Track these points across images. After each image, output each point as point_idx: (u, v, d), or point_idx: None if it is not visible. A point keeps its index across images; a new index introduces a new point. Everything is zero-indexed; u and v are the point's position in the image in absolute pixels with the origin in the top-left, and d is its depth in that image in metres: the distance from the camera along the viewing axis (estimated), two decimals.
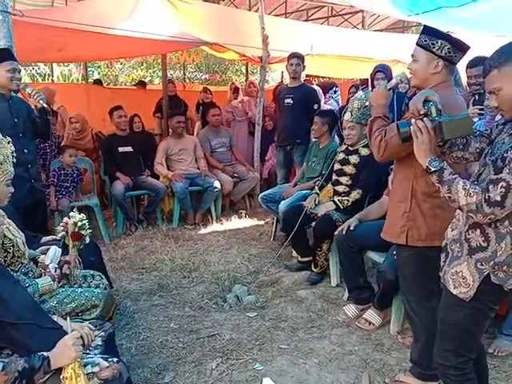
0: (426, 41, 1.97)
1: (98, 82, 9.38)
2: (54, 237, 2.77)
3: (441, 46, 1.95)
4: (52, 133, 3.70)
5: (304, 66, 4.79)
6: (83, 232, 2.37)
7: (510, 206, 1.47)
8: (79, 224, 2.35)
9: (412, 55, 2.05)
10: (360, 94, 3.54)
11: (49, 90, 4.70)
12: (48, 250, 2.35)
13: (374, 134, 2.05)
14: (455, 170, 1.66)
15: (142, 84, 9.41)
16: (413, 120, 1.71)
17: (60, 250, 2.36)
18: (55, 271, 2.26)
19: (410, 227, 2.06)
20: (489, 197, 1.48)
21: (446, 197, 1.62)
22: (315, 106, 4.73)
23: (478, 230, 1.61)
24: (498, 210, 1.48)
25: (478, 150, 1.77)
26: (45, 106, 3.20)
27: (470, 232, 1.64)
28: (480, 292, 1.61)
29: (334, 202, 3.47)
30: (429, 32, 1.99)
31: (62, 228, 2.40)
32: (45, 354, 1.49)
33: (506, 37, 5.11)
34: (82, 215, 2.43)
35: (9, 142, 2.04)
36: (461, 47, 1.98)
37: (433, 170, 1.62)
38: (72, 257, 2.35)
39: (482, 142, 1.77)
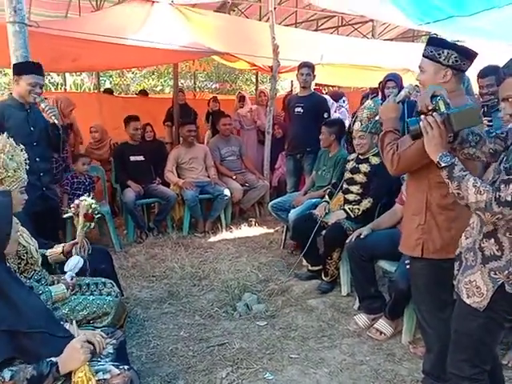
0: (431, 51, 1.97)
1: (108, 91, 9.49)
2: (65, 244, 2.80)
3: (447, 55, 1.95)
4: (64, 147, 3.75)
5: (314, 76, 4.82)
6: (95, 216, 2.49)
7: None
8: (93, 206, 2.48)
9: (419, 67, 2.05)
10: (369, 102, 3.54)
11: (67, 102, 4.76)
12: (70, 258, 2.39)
13: (386, 148, 2.05)
14: (466, 167, 1.65)
15: (143, 93, 9.49)
16: (422, 116, 1.71)
17: (82, 260, 2.39)
18: (71, 279, 2.28)
19: (425, 240, 2.04)
20: (499, 196, 1.47)
21: (454, 193, 1.60)
22: (325, 115, 4.78)
23: (493, 239, 1.59)
24: (508, 210, 1.46)
25: (491, 151, 1.75)
26: (56, 122, 3.24)
27: (484, 241, 1.62)
28: (494, 302, 1.59)
29: (344, 210, 3.47)
30: (434, 43, 2.00)
31: (72, 210, 2.50)
32: (53, 359, 1.50)
33: None
34: (93, 200, 2.53)
35: (22, 150, 2.08)
36: (468, 55, 1.97)
37: (443, 165, 1.61)
38: (80, 237, 2.45)
39: (496, 143, 1.74)
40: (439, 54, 1.96)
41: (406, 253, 2.20)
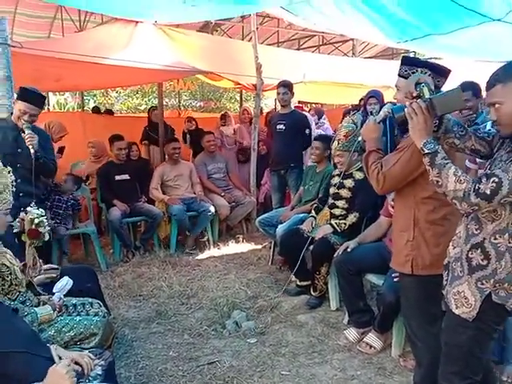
0: (406, 71, 2.01)
1: (96, 109, 9.48)
2: (51, 265, 2.75)
3: (421, 73, 1.99)
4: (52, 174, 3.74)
5: (293, 94, 4.95)
6: (41, 229, 2.27)
7: (496, 202, 1.48)
8: (36, 221, 2.24)
9: (396, 85, 2.09)
10: (346, 120, 3.60)
11: (59, 127, 4.81)
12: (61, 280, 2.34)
13: (371, 168, 2.07)
14: (452, 157, 1.66)
15: (109, 112, 9.46)
16: (407, 103, 1.74)
17: (71, 282, 2.34)
18: (59, 300, 2.24)
19: (414, 256, 2.04)
20: (479, 187, 1.49)
21: (433, 180, 1.62)
22: (307, 131, 4.93)
23: (480, 250, 1.61)
24: (484, 203, 1.49)
25: (473, 148, 1.77)
26: (32, 151, 3.18)
27: (472, 251, 1.64)
28: (482, 312, 1.60)
29: (331, 225, 3.50)
30: (407, 62, 2.04)
31: (18, 224, 2.28)
32: None
33: (493, 62, 5.27)
34: (41, 211, 2.31)
35: (9, 172, 2.06)
36: (442, 72, 2.01)
37: (426, 151, 1.63)
38: (29, 256, 2.28)
39: (480, 144, 1.76)
40: (413, 73, 2.00)
41: (396, 269, 2.19)
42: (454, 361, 1.73)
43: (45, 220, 2.32)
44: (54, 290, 2.28)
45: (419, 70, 1.99)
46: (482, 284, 1.60)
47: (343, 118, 5.65)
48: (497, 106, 1.55)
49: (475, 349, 1.68)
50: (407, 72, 2.01)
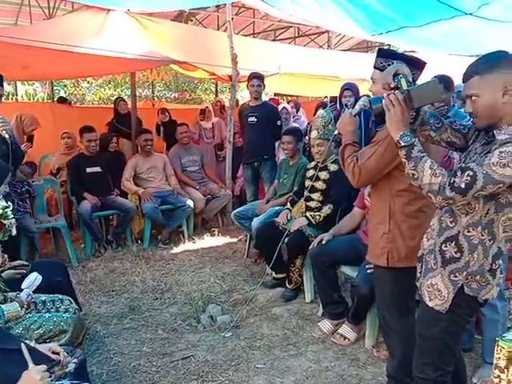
0: (381, 63, 2.01)
1: (62, 100, 9.01)
2: (21, 262, 2.66)
3: (397, 65, 1.98)
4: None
5: (264, 86, 4.94)
6: (5, 222, 2.20)
7: (471, 196, 1.49)
8: (0, 212, 2.19)
9: (371, 78, 2.09)
10: (321, 112, 3.61)
11: (31, 120, 4.78)
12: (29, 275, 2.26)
13: (347, 161, 2.06)
14: (428, 150, 1.66)
15: (62, 101, 8.91)
16: (384, 94, 1.73)
17: (40, 278, 2.25)
18: (27, 297, 2.17)
19: (390, 249, 2.04)
20: (454, 181, 1.49)
21: (409, 173, 1.61)
22: (278, 123, 4.93)
23: (454, 243, 1.62)
24: (459, 197, 1.50)
25: (449, 140, 1.77)
26: (6, 136, 3.11)
27: (446, 244, 1.65)
28: (455, 304, 1.62)
29: (306, 217, 3.50)
30: (383, 54, 2.04)
31: None
32: None
33: (463, 56, 5.37)
34: (8, 203, 2.24)
35: None
36: (417, 64, 2.02)
37: (403, 144, 1.62)
38: None
39: (456, 136, 1.76)
40: (389, 65, 1.99)
41: (372, 262, 2.20)
42: (427, 352, 1.75)
43: (10, 212, 2.24)
44: (22, 287, 2.21)
45: (395, 62, 1.98)
46: (455, 276, 1.62)
47: (315, 111, 5.72)
48: (473, 98, 1.55)
49: (448, 340, 1.71)
50: (383, 64, 2.00)
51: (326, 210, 3.46)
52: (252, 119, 4.87)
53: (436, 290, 1.66)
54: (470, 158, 1.61)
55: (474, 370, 2.53)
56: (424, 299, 1.72)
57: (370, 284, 2.64)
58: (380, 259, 2.09)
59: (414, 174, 1.59)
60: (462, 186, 1.48)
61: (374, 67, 2.04)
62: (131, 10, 4.87)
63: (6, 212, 2.21)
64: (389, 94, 1.70)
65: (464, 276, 1.60)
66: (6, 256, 2.31)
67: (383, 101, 1.71)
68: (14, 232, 2.30)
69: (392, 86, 1.74)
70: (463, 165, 1.52)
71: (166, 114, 6.82)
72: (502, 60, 1.53)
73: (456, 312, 1.64)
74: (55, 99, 9.20)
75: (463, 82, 1.60)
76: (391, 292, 2.11)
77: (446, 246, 1.65)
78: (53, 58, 4.46)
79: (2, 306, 2.05)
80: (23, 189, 4.22)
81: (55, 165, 5.31)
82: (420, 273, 1.78)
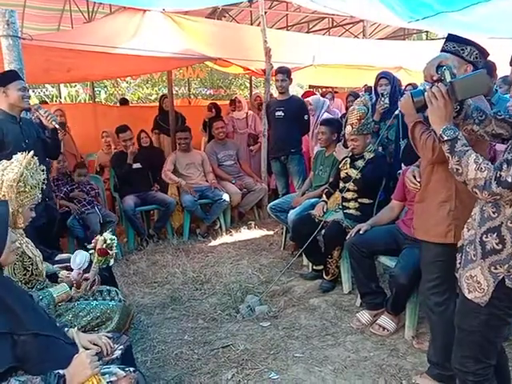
0: (454, 47, 2.00)
1: (124, 101, 9.25)
2: (69, 254, 2.81)
3: (470, 51, 1.99)
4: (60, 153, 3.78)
5: (291, 80, 4.93)
6: (110, 252, 2.40)
7: None
8: (108, 242, 2.39)
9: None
10: (357, 102, 3.54)
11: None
12: (77, 253, 2.38)
13: (422, 138, 2.05)
14: (472, 145, 1.60)
15: (124, 102, 9.28)
16: (427, 86, 1.69)
17: (89, 255, 2.37)
18: (78, 275, 2.27)
19: (456, 225, 2.05)
20: (500, 175, 1.43)
21: (453, 168, 1.56)
22: (305, 117, 4.91)
23: (496, 234, 1.56)
24: (507, 192, 1.44)
25: (494, 132, 1.70)
26: (57, 126, 3.27)
27: (486, 235, 1.59)
28: (495, 297, 1.57)
29: (342, 208, 3.48)
30: (455, 39, 2.02)
31: (92, 245, 2.43)
32: (60, 371, 1.48)
33: (505, 39, 5.15)
34: (114, 237, 2.46)
35: (43, 171, 2.11)
36: (485, 53, 2.01)
37: (446, 138, 1.57)
38: (92, 273, 2.36)
39: (502, 127, 1.69)
40: (462, 50, 1.99)
41: (435, 241, 2.17)
42: (466, 345, 1.71)
43: (115, 244, 2.44)
44: (71, 266, 2.31)
45: (468, 47, 1.99)
46: (496, 269, 1.56)
47: (347, 101, 5.67)
48: None
49: (489, 334, 1.66)
50: (456, 48, 2.00)
51: (363, 200, 3.45)
52: (279, 113, 4.89)
53: (475, 282, 1.61)
54: None
55: None
56: (463, 291, 1.68)
57: (408, 274, 2.62)
58: (447, 237, 2.10)
59: (458, 169, 1.54)
60: (509, 180, 1.42)
61: (444, 51, 1.98)
62: (166, 10, 4.97)
63: (113, 243, 2.42)
64: (431, 87, 1.65)
65: (506, 268, 1.54)
66: (99, 278, 2.43)
67: (425, 93, 1.67)
68: (112, 262, 2.48)
69: (435, 78, 1.69)
70: (509, 157, 1.44)
71: (211, 111, 6.82)
72: None
73: (496, 305, 1.59)
74: (96, 100, 9.51)
75: (510, 64, 1.54)
76: (446, 270, 2.07)
77: (486, 237, 1.59)
78: (93, 60, 4.62)
79: (50, 290, 2.13)
80: (88, 187, 4.49)
81: (98, 162, 5.53)
82: (460, 263, 1.74)
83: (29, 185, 2.02)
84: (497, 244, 1.55)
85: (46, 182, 3.09)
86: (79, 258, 2.33)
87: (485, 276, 1.59)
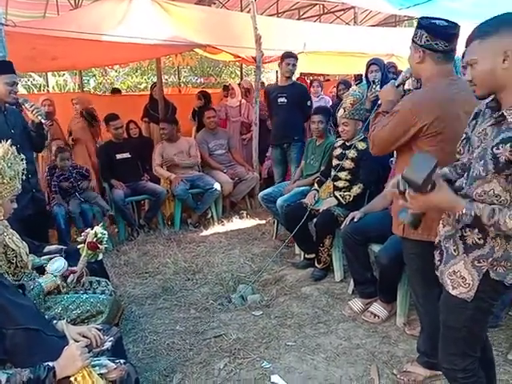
0: (413, 32, 1.96)
1: (116, 90, 9.30)
2: (57, 246, 2.77)
3: (419, 35, 1.91)
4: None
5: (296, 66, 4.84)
6: (100, 246, 2.37)
7: None
8: (99, 235, 2.36)
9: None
10: (354, 88, 3.54)
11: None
12: (55, 259, 2.33)
13: (371, 129, 2.07)
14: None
15: (116, 91, 9.32)
16: (405, 208, 1.58)
17: (66, 263, 2.31)
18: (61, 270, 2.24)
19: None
20: None
21: (500, 234, 1.47)
22: (308, 103, 4.83)
23: (476, 229, 1.52)
24: None
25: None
26: (42, 121, 3.20)
27: (466, 230, 1.55)
28: (481, 291, 1.54)
29: (335, 197, 3.47)
30: (417, 24, 1.96)
31: (82, 237, 2.40)
32: (50, 364, 1.46)
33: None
34: (105, 232, 2.43)
35: (22, 160, 2.05)
36: (441, 34, 1.88)
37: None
38: (80, 266, 2.33)
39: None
40: (415, 35, 1.93)
41: (396, 233, 2.17)
42: (454, 342, 1.69)
43: (106, 239, 2.40)
44: (48, 271, 2.24)
45: (419, 31, 1.92)
46: (479, 263, 1.52)
47: (337, 89, 5.67)
48: (472, 64, 1.43)
49: (475, 328, 1.64)
50: (413, 34, 1.94)
51: (356, 189, 3.42)
52: (282, 100, 4.76)
53: (460, 278, 1.57)
54: (480, 142, 1.49)
55: (509, 347, 2.49)
56: (447, 288, 1.63)
57: (389, 254, 2.64)
58: (398, 229, 2.10)
59: (504, 231, 1.40)
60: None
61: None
62: None
63: (104, 237, 2.38)
64: (405, 204, 1.53)
65: (489, 262, 1.51)
66: (86, 270, 2.39)
67: (409, 211, 1.56)
68: (101, 257, 2.44)
69: (402, 189, 1.52)
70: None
71: (201, 100, 6.73)
72: (505, 22, 1.39)
73: (482, 298, 1.56)
74: (85, 89, 9.38)
75: (465, 47, 1.47)
76: (423, 266, 2.07)
77: (466, 232, 1.55)
78: (80, 48, 4.53)
79: (39, 280, 2.12)
80: (74, 172, 4.47)
81: (69, 129, 5.43)
82: (439, 261, 1.69)
83: (7, 176, 1.96)
84: (478, 239, 1.52)
85: (29, 172, 3.11)
86: (56, 265, 2.27)
87: (469, 270, 1.55)
